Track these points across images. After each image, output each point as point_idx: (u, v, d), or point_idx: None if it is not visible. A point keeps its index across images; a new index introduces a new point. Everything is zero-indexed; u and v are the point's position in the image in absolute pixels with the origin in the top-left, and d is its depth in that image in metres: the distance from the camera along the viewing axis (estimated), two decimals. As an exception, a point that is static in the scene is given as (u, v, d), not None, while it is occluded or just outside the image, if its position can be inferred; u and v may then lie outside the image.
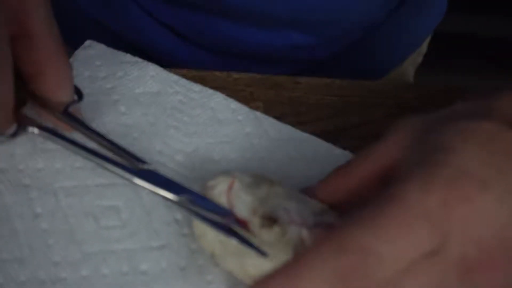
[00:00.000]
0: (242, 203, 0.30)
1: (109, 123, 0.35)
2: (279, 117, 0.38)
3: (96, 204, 0.32)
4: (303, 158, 0.36)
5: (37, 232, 0.30)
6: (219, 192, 0.30)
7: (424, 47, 0.61)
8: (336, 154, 0.37)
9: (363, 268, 0.24)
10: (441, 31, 0.62)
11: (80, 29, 0.51)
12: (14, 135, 0.32)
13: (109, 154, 0.32)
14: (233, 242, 0.29)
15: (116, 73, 0.38)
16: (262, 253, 0.29)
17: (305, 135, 0.37)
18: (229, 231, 0.29)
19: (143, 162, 0.32)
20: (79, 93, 0.34)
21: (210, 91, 0.38)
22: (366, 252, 0.24)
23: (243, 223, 0.29)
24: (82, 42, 0.39)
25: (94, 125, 0.35)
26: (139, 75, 0.38)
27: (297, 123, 0.38)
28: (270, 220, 0.29)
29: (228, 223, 0.29)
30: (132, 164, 0.32)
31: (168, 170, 0.34)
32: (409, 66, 0.61)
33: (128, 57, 0.38)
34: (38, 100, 0.32)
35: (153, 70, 0.38)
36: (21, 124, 0.32)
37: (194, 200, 0.30)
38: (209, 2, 0.46)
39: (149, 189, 0.31)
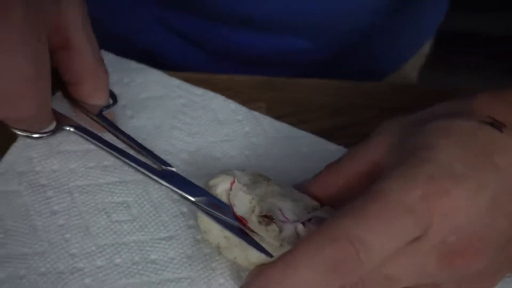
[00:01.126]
0: (241, 203, 0.32)
1: (119, 126, 0.38)
2: (280, 117, 0.41)
3: (108, 201, 0.35)
4: (299, 154, 0.39)
5: (54, 228, 0.33)
6: (221, 191, 0.32)
7: (426, 48, 0.62)
8: (331, 150, 0.39)
9: (353, 256, 0.27)
10: (447, 31, 0.63)
11: None
12: (54, 132, 0.35)
13: (135, 155, 0.34)
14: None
15: (123, 79, 0.40)
16: (268, 255, 0.30)
17: (301, 133, 0.40)
18: (241, 233, 0.31)
19: (166, 164, 0.34)
20: (114, 98, 0.37)
21: (211, 93, 0.41)
22: (355, 241, 0.27)
23: (242, 221, 0.31)
24: None
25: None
26: (144, 81, 0.40)
27: (298, 122, 0.41)
28: (267, 218, 0.31)
29: (239, 225, 0.31)
30: (156, 165, 0.34)
31: (173, 167, 0.37)
32: (411, 68, 0.62)
33: (134, 64, 0.41)
34: (75, 102, 0.35)
35: (156, 75, 0.41)
36: (59, 122, 0.35)
37: (211, 202, 0.32)
38: (211, 8, 0.48)
39: (171, 189, 0.33)
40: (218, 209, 0.32)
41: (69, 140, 0.36)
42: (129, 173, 0.36)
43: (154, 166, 0.34)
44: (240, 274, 0.33)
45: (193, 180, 0.34)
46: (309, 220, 0.32)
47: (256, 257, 0.31)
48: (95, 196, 0.35)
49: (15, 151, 0.35)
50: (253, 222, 0.32)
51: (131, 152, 0.34)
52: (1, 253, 0.32)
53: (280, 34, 0.50)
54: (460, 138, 0.29)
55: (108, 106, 0.36)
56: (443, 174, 0.28)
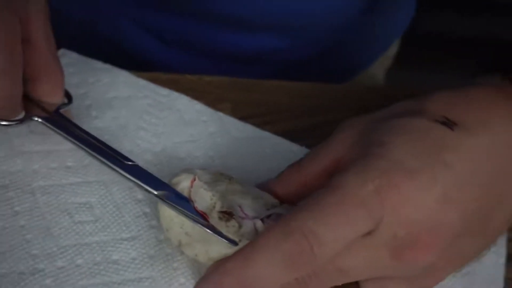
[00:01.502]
0: (202, 199, 0.33)
1: (81, 126, 0.38)
2: (245, 118, 0.41)
3: (70, 201, 0.35)
4: (263, 154, 0.39)
5: (16, 228, 0.33)
6: (182, 189, 0.33)
7: (393, 50, 0.64)
8: (294, 151, 0.40)
9: (306, 250, 0.27)
10: (415, 30, 0.64)
11: (65, 32, 0.54)
12: (22, 121, 0.35)
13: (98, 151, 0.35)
14: (198, 230, 0.32)
15: (88, 79, 0.40)
16: (232, 242, 0.31)
17: (265, 134, 0.40)
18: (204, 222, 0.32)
19: (128, 159, 0.34)
20: (69, 97, 0.37)
21: (176, 94, 0.41)
22: (309, 235, 0.27)
23: (203, 216, 0.32)
24: (65, 43, 0.42)
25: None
26: (111, 81, 0.41)
27: (262, 123, 0.41)
28: (227, 214, 0.32)
29: (201, 216, 0.32)
30: (118, 161, 0.34)
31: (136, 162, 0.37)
32: (378, 68, 0.63)
33: (100, 64, 0.41)
34: (32, 100, 0.35)
35: (123, 76, 0.41)
36: (28, 111, 0.35)
37: (173, 196, 0.33)
38: (188, 9, 0.49)
39: (134, 182, 0.33)
40: (180, 203, 0.32)
41: (32, 140, 0.36)
42: (92, 174, 0.36)
43: (117, 161, 0.34)
44: (201, 273, 0.34)
45: None
46: (268, 216, 0.32)
47: (217, 252, 0.32)
48: (57, 196, 0.35)
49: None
50: (214, 218, 0.32)
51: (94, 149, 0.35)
52: (-40, 254, 0.32)
53: (256, 33, 0.51)
54: (413, 136, 0.30)
55: (64, 105, 0.36)
56: (395, 169, 0.29)
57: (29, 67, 0.34)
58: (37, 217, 0.34)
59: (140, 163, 0.37)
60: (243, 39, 0.51)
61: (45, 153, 0.36)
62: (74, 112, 0.38)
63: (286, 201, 0.34)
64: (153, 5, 0.51)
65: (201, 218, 0.32)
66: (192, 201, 0.32)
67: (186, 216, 0.32)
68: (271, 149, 0.39)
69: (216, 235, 0.31)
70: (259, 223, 0.32)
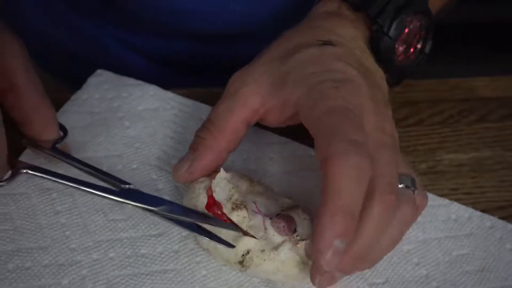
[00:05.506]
0: (221, 190, 0.36)
1: (116, 135, 0.42)
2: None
3: (105, 202, 0.39)
4: (281, 158, 0.42)
5: (57, 225, 0.37)
6: (206, 185, 0.36)
7: None
8: (311, 155, 0.43)
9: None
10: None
11: (50, 55, 0.57)
12: (10, 179, 0.37)
13: (95, 181, 0.37)
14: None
15: (121, 94, 0.45)
16: (229, 245, 0.35)
17: (284, 139, 0.44)
18: (199, 230, 0.35)
19: (124, 182, 0.37)
20: (64, 130, 0.39)
21: (201, 104, 0.45)
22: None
23: (218, 205, 0.35)
24: (53, 66, 0.44)
25: (103, 138, 0.42)
26: (141, 95, 0.45)
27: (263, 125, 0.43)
28: (240, 206, 0.35)
29: (199, 221, 0.35)
30: (117, 186, 0.37)
31: (164, 172, 0.41)
32: None
33: (132, 80, 0.46)
34: (30, 140, 0.38)
35: (152, 90, 0.45)
36: (14, 168, 0.37)
37: (170, 208, 0.36)
38: (165, 27, 0.52)
39: (132, 204, 0.36)
40: (181, 213, 0.36)
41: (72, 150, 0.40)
42: (123, 177, 0.40)
43: (113, 187, 0.37)
44: (222, 267, 0.37)
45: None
46: (277, 215, 0.35)
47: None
48: (94, 198, 0.39)
49: (25, 156, 0.39)
50: (227, 208, 0.35)
51: (90, 178, 0.38)
52: (10, 248, 0.36)
53: (236, 42, 0.54)
54: (317, 59, 0.37)
55: (60, 139, 0.38)
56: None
57: (19, 111, 0.36)
58: (75, 215, 0.38)
59: (167, 168, 0.41)
60: (219, 50, 0.55)
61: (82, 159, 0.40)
62: (108, 123, 0.43)
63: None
64: (130, 26, 0.54)
65: (202, 219, 0.35)
66: (212, 191, 0.36)
67: (181, 226, 0.35)
68: (290, 153, 0.43)
69: (212, 240, 0.35)
70: (268, 221, 0.35)
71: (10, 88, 0.36)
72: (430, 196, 0.41)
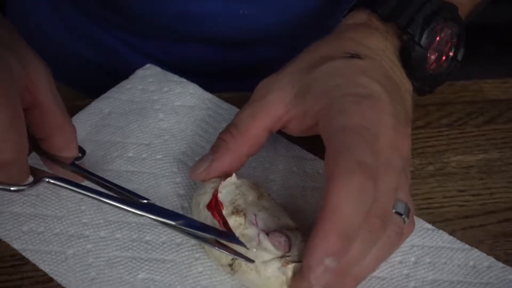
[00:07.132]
0: (227, 192, 0.37)
1: (149, 125, 0.44)
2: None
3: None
4: (302, 173, 0.43)
5: (75, 199, 0.40)
6: (215, 185, 0.37)
7: None
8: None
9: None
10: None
11: (65, 63, 0.59)
12: (32, 185, 0.37)
13: (114, 194, 0.38)
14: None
15: (163, 88, 0.47)
16: (249, 260, 0.35)
17: (311, 156, 0.44)
18: (218, 244, 0.35)
19: (142, 198, 0.38)
20: (82, 151, 0.39)
21: (236, 109, 0.46)
22: None
23: (220, 205, 0.36)
24: (68, 76, 0.47)
25: (136, 125, 0.44)
26: (180, 91, 0.47)
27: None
28: (240, 213, 0.36)
29: (215, 237, 0.35)
30: (135, 200, 0.37)
31: (186, 167, 0.42)
32: None
33: (176, 77, 0.48)
34: (49, 156, 0.38)
35: (192, 88, 0.47)
36: (36, 176, 0.37)
37: (188, 223, 0.36)
38: (176, 32, 0.54)
39: (153, 218, 0.36)
40: (196, 228, 0.36)
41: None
42: (147, 166, 0.42)
43: (134, 201, 0.37)
44: (219, 267, 0.38)
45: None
46: (278, 230, 0.36)
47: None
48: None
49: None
50: (228, 210, 0.36)
51: (111, 192, 0.38)
52: (29, 211, 0.39)
53: (248, 46, 0.55)
54: (341, 72, 0.38)
55: (78, 158, 0.39)
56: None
57: (42, 128, 0.37)
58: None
59: (190, 163, 0.43)
60: (230, 54, 0.55)
61: (109, 144, 0.43)
62: (145, 113, 0.45)
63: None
64: (140, 32, 0.55)
65: (217, 234, 0.35)
66: (218, 192, 0.36)
67: (200, 240, 0.36)
68: (311, 169, 0.43)
69: (232, 255, 0.35)
70: (263, 235, 0.35)
71: (34, 105, 0.37)
72: (450, 239, 0.40)
